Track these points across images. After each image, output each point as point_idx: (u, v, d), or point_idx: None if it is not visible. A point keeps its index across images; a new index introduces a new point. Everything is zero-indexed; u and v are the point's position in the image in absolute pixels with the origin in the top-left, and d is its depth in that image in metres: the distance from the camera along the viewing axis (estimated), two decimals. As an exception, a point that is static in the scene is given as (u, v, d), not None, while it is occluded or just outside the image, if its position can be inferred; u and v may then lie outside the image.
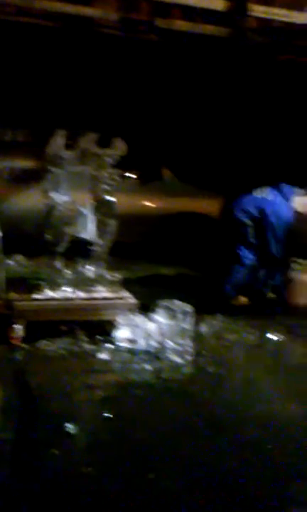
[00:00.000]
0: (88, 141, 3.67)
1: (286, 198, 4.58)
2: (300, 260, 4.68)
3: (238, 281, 4.63)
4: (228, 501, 1.97)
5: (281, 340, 3.87)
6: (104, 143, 3.73)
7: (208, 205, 7.21)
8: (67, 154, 3.60)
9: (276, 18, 5.74)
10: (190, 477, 2.10)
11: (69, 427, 2.36)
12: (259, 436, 2.46)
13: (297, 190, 4.68)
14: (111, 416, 2.53)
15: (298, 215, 4.56)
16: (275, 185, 4.65)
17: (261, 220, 4.50)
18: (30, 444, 2.27)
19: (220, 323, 4.06)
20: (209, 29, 5.74)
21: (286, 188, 4.63)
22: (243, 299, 4.78)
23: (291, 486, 2.10)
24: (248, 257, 4.58)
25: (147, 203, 7.01)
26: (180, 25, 5.85)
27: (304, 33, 5.65)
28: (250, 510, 1.95)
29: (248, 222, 4.54)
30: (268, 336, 3.88)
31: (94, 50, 6.83)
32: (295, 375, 3.30)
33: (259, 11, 5.90)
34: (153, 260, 6.58)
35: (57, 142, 3.57)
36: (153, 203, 7.04)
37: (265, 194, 4.58)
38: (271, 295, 4.99)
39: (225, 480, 2.10)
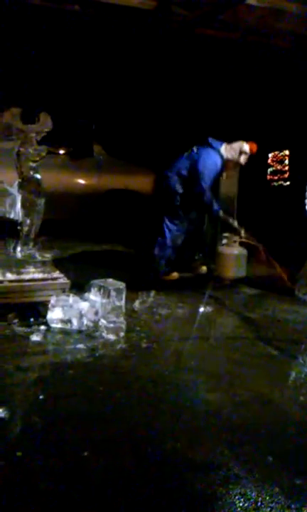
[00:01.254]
0: (12, 116, 3.53)
1: (214, 148, 4.80)
2: (227, 234, 4.81)
3: (164, 255, 4.72)
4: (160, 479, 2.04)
5: (210, 312, 3.99)
6: (29, 118, 3.61)
7: (140, 182, 7.23)
8: (-10, 130, 3.46)
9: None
10: (124, 453, 2.14)
11: (1, 411, 2.34)
12: (188, 406, 2.54)
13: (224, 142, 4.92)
14: (44, 397, 2.52)
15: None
16: (203, 141, 4.86)
17: (191, 173, 4.67)
18: None
19: (153, 299, 4.13)
20: (133, 2, 5.63)
21: (213, 141, 4.84)
22: (174, 274, 4.87)
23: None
24: (171, 228, 4.68)
25: (77, 180, 6.90)
26: (105, -5, 5.67)
27: (226, 8, 5.68)
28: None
29: (177, 186, 4.73)
30: (199, 309, 3.99)
31: (17, 20, 6.51)
32: (224, 344, 3.43)
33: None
34: (85, 238, 6.54)
35: (-22, 118, 3.42)
36: (83, 180, 6.94)
37: (193, 151, 4.80)
38: (202, 268, 5.13)
39: (162, 456, 2.16)
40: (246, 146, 4.81)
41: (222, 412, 2.52)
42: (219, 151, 4.78)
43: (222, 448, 2.20)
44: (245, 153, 4.83)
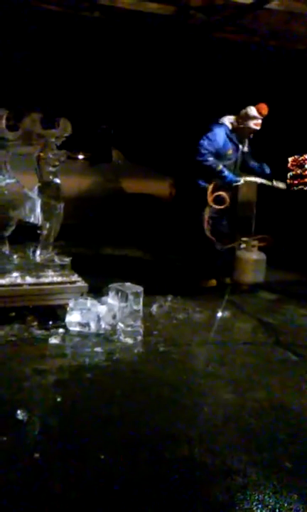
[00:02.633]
0: (32, 122, 3.57)
1: (217, 123, 4.75)
2: (245, 238, 4.77)
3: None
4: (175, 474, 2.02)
5: (228, 317, 3.97)
6: (49, 123, 3.64)
7: (158, 187, 7.24)
8: (11, 135, 3.50)
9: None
10: (141, 458, 2.14)
11: (20, 413, 2.35)
12: (206, 412, 2.52)
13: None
14: (61, 400, 2.53)
15: None
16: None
17: None
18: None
19: (170, 303, 4.12)
20: (152, 7, 5.67)
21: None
22: (213, 281, 4.84)
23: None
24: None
25: (96, 185, 6.94)
26: (123, 2, 5.72)
27: (246, 12, 5.68)
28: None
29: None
30: (217, 313, 3.97)
31: (37, 27, 6.60)
32: (242, 350, 3.40)
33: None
34: (104, 243, 6.56)
35: (0, 123, 3.46)
36: (102, 185, 6.98)
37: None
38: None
39: (177, 464, 2.15)
40: (251, 109, 4.62)
41: (240, 417, 2.50)
42: (222, 124, 4.69)
43: (240, 454, 2.18)
44: (253, 117, 4.62)
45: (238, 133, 4.72)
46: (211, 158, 4.55)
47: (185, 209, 5.86)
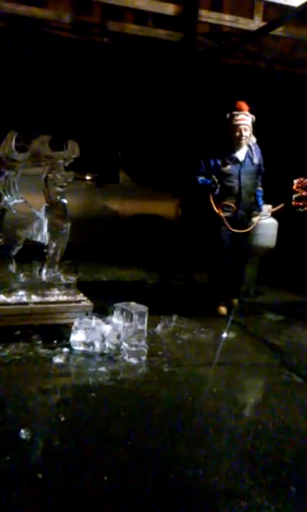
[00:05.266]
0: (41, 143, 3.64)
1: None
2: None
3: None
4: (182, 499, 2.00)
5: (233, 338, 3.96)
6: (58, 145, 3.71)
7: (164, 207, 7.30)
8: (20, 156, 3.57)
9: (225, 23, 5.86)
10: (146, 479, 2.12)
11: (23, 432, 2.34)
12: (210, 433, 2.50)
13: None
14: (65, 419, 2.52)
15: None
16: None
17: None
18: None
19: (175, 323, 4.12)
20: (160, 33, 5.81)
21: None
22: (222, 309, 4.68)
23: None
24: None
25: (103, 205, 7.01)
26: (133, 28, 5.88)
27: (252, 38, 5.80)
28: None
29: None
30: (222, 334, 3.96)
31: (47, 51, 6.78)
32: (248, 371, 3.39)
33: (209, 16, 6.01)
34: (110, 262, 6.60)
35: (9, 144, 3.53)
36: (108, 205, 7.05)
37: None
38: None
39: (182, 484, 2.12)
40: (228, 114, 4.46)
41: (245, 439, 2.48)
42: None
43: (245, 476, 2.16)
44: (233, 116, 4.40)
45: (233, 142, 4.47)
46: (198, 177, 4.51)
47: (195, 227, 5.93)
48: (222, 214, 4.48)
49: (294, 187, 9.27)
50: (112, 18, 6.31)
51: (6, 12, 6.14)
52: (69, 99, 7.73)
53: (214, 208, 4.47)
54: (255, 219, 4.72)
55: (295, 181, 9.28)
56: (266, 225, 5.05)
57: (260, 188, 4.75)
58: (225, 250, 4.55)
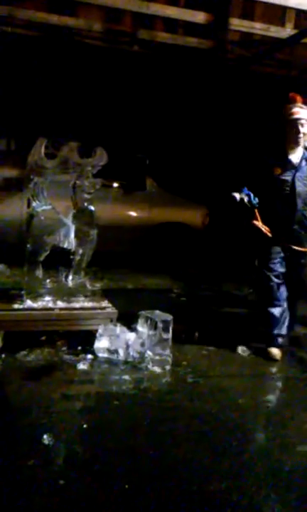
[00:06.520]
0: (70, 150, 3.67)
1: None
2: None
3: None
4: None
5: (260, 349, 3.89)
6: (86, 152, 3.74)
7: (191, 216, 7.27)
8: (49, 163, 3.60)
9: (256, 32, 5.84)
10: (168, 490, 2.08)
11: (46, 437, 2.34)
12: (234, 446, 2.45)
13: None
14: (88, 426, 2.51)
15: None
16: None
17: None
18: (7, 455, 2.23)
19: (200, 333, 4.07)
20: (191, 41, 5.82)
21: None
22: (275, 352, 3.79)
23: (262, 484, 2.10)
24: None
25: (130, 212, 7.03)
26: (163, 37, 5.91)
27: (283, 47, 5.76)
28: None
29: None
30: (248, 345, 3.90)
31: (78, 60, 6.87)
32: (274, 383, 3.32)
33: (240, 24, 6.00)
34: (136, 270, 6.59)
35: (39, 151, 3.57)
36: (135, 213, 7.06)
37: None
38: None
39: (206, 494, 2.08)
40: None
41: (270, 453, 2.42)
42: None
43: (268, 491, 2.10)
44: (288, 109, 3.68)
45: (284, 142, 3.73)
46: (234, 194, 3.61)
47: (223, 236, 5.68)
48: (269, 233, 3.64)
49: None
50: (142, 27, 6.37)
51: (38, 21, 6.26)
52: (99, 106, 7.81)
53: (261, 226, 3.64)
54: None
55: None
56: None
57: None
58: (277, 282, 3.70)
